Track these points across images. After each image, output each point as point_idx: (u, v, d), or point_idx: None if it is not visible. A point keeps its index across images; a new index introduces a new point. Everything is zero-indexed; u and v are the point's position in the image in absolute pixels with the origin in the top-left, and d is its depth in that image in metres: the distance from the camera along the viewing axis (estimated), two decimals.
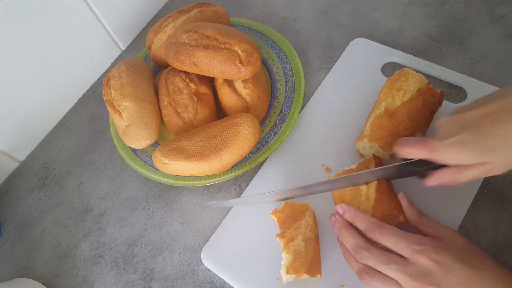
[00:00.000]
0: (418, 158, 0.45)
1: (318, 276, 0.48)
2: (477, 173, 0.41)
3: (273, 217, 0.53)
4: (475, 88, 0.59)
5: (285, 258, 0.49)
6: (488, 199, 0.52)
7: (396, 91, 0.54)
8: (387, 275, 0.41)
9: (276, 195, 0.54)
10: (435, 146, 0.42)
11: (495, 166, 0.40)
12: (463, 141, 0.39)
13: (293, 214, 0.52)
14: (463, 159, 0.40)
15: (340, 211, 0.49)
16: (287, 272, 0.48)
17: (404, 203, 0.48)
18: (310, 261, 0.48)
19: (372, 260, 0.42)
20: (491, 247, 0.49)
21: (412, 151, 0.44)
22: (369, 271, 0.43)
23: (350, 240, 0.46)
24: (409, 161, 0.46)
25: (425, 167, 0.45)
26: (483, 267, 0.39)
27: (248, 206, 0.58)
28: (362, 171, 0.49)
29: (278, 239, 0.51)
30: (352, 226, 0.47)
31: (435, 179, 0.44)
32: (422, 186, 0.52)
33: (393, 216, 0.47)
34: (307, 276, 0.47)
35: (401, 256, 0.41)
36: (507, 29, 0.65)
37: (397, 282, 0.40)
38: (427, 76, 0.62)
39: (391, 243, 0.42)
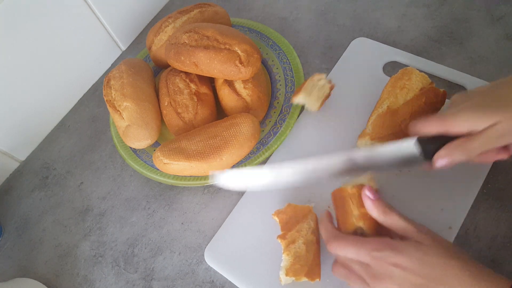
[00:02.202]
0: (432, 133, 0.44)
1: (317, 280, 0.48)
2: (489, 139, 0.40)
3: (275, 218, 0.53)
4: (476, 86, 0.58)
5: (285, 260, 0.49)
6: (488, 199, 0.52)
7: (399, 89, 0.55)
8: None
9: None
10: (446, 115, 0.42)
11: (505, 127, 0.39)
12: (472, 105, 0.41)
13: (295, 216, 0.52)
14: (473, 121, 0.40)
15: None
16: (286, 274, 0.47)
17: (367, 203, 0.44)
18: (310, 264, 0.48)
19: (343, 252, 0.43)
20: (490, 247, 0.49)
21: (425, 125, 0.44)
22: (337, 262, 0.45)
23: (322, 232, 0.46)
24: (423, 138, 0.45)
25: (440, 143, 0.43)
26: (449, 265, 0.38)
27: (250, 206, 0.58)
28: (387, 143, 0.46)
29: (279, 241, 0.51)
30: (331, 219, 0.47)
31: (444, 154, 0.42)
32: (422, 189, 0.52)
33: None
34: (306, 279, 0.47)
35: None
36: (506, 29, 0.65)
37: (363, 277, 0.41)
38: (428, 75, 0.62)
39: (351, 253, 0.42)
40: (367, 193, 0.44)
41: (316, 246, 0.50)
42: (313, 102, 0.60)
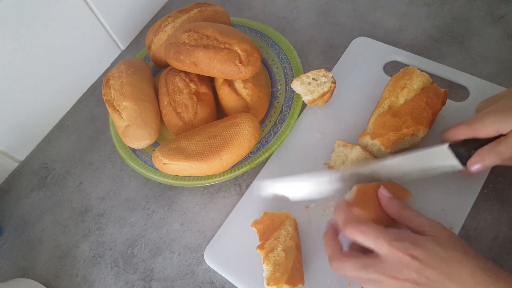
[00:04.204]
0: (462, 139, 0.46)
1: (301, 285, 0.47)
2: None
3: (254, 228, 0.53)
4: (478, 86, 0.59)
5: (265, 270, 0.48)
6: (489, 200, 0.51)
7: (400, 89, 0.54)
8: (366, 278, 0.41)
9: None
10: (473, 119, 0.44)
11: None
12: (497, 109, 0.42)
13: (273, 224, 0.52)
14: (499, 124, 0.42)
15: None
16: (268, 284, 0.47)
17: (383, 200, 0.46)
18: (290, 271, 0.47)
19: (347, 269, 0.42)
20: (491, 248, 0.49)
21: (454, 131, 0.47)
22: (350, 278, 0.43)
23: (327, 250, 0.45)
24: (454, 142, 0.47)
25: (471, 146, 0.45)
26: (465, 262, 0.38)
27: (250, 206, 0.58)
28: (409, 152, 0.49)
29: (258, 251, 0.50)
30: (336, 234, 0.46)
31: (477, 159, 0.45)
32: (424, 189, 0.52)
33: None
34: (288, 286, 0.46)
35: (375, 254, 0.41)
36: (507, 29, 0.64)
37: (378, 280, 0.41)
38: (429, 74, 0.61)
39: (370, 240, 0.41)
40: (382, 191, 0.46)
41: (296, 251, 0.49)
42: (306, 92, 0.60)
